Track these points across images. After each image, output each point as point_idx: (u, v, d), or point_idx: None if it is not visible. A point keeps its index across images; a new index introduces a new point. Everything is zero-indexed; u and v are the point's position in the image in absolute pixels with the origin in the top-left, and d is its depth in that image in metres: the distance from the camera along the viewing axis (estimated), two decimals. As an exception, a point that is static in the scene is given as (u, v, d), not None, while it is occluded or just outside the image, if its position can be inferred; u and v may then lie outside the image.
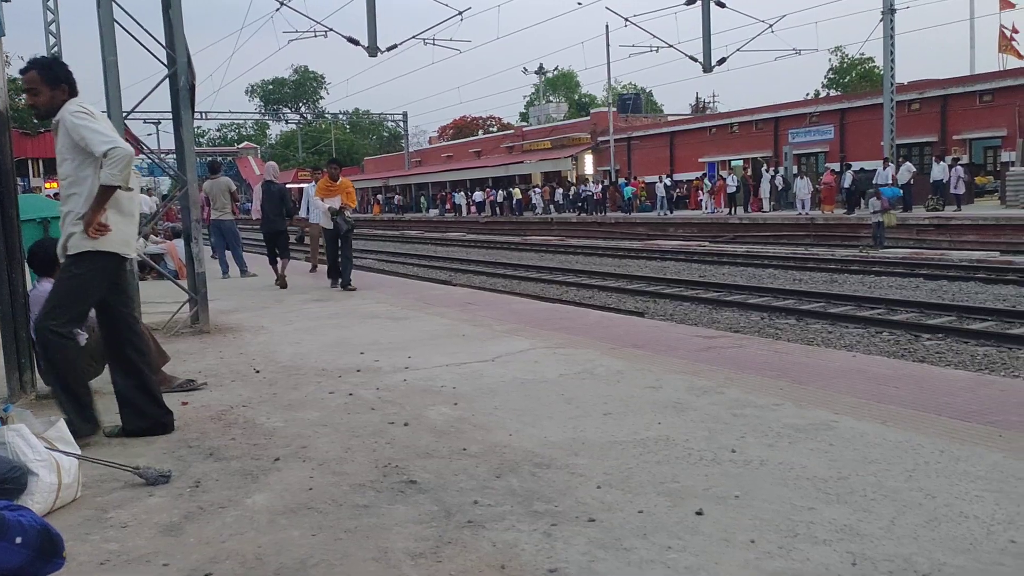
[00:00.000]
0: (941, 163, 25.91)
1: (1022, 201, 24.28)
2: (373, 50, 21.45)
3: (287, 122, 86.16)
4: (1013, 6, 34.95)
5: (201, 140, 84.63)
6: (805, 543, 2.70)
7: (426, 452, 3.84)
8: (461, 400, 4.80)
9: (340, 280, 11.07)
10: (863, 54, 51.06)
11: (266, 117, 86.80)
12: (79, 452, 3.49)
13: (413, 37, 23.90)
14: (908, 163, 26.73)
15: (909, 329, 9.80)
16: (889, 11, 27.08)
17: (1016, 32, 36.10)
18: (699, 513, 2.98)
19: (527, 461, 3.65)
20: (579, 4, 20.28)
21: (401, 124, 69.03)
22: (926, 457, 3.49)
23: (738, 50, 27.07)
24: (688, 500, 3.11)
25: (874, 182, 25.15)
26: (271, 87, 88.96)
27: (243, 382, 5.56)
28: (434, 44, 24.29)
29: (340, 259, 11.13)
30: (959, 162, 25.87)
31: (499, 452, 3.79)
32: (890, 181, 24.96)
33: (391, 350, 6.48)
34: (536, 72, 61.98)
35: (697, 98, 69.20)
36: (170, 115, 8.04)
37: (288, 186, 17.99)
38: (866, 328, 10.08)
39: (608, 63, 40.28)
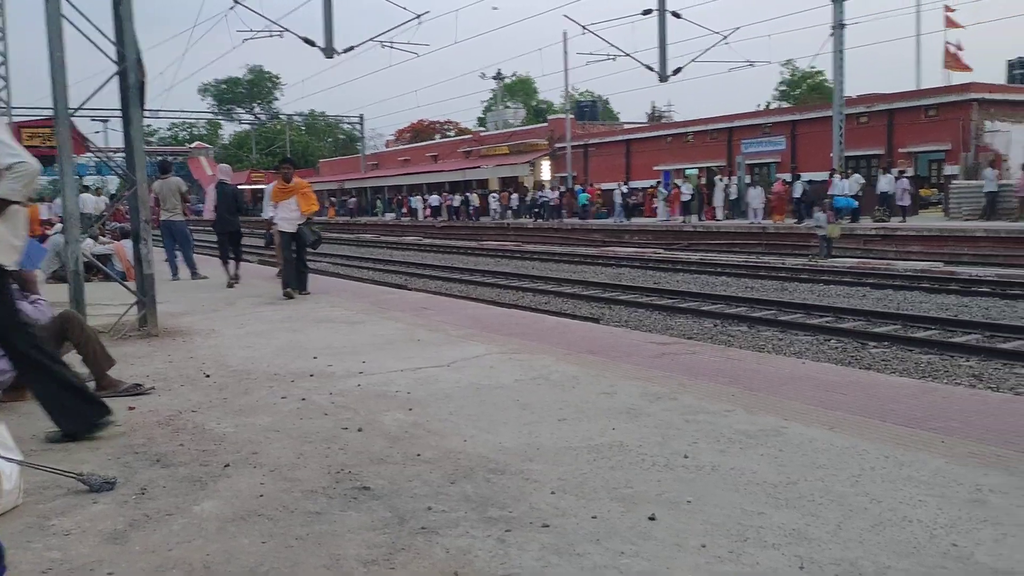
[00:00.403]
0: (887, 175, 26.55)
1: (965, 213, 25.00)
2: (329, 51, 21.31)
3: (241, 122, 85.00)
4: (958, 25, 36.02)
5: (151, 139, 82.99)
6: (755, 547, 2.74)
7: (380, 458, 3.81)
8: (416, 405, 4.77)
9: (294, 286, 10.58)
10: (813, 67, 52.18)
11: (219, 117, 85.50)
12: (20, 457, 3.40)
13: (371, 39, 23.81)
14: (857, 175, 27.35)
15: (856, 337, 10.01)
16: (839, 27, 27.70)
17: (961, 49, 37.21)
18: (652, 518, 3.00)
19: (482, 467, 3.64)
20: (495, 8, 20.22)
21: (357, 126, 68.56)
22: (872, 462, 3.56)
23: (693, 61, 27.47)
24: (641, 505, 3.14)
25: (831, 192, 25.73)
26: (224, 86, 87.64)
27: (192, 386, 5.46)
28: (392, 47, 24.20)
29: (296, 264, 10.74)
30: (904, 174, 26.53)
31: (453, 458, 3.78)
32: (845, 192, 25.58)
33: (345, 355, 6.42)
34: (494, 77, 62.02)
35: (653, 107, 69.97)
36: (119, 113, 7.87)
37: (241, 187, 17.91)
38: (815, 336, 10.27)
39: (566, 70, 40.51)
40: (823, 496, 3.19)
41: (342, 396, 5.06)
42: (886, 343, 9.64)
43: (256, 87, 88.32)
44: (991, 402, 4.82)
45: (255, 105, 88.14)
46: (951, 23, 36.21)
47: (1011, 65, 36.06)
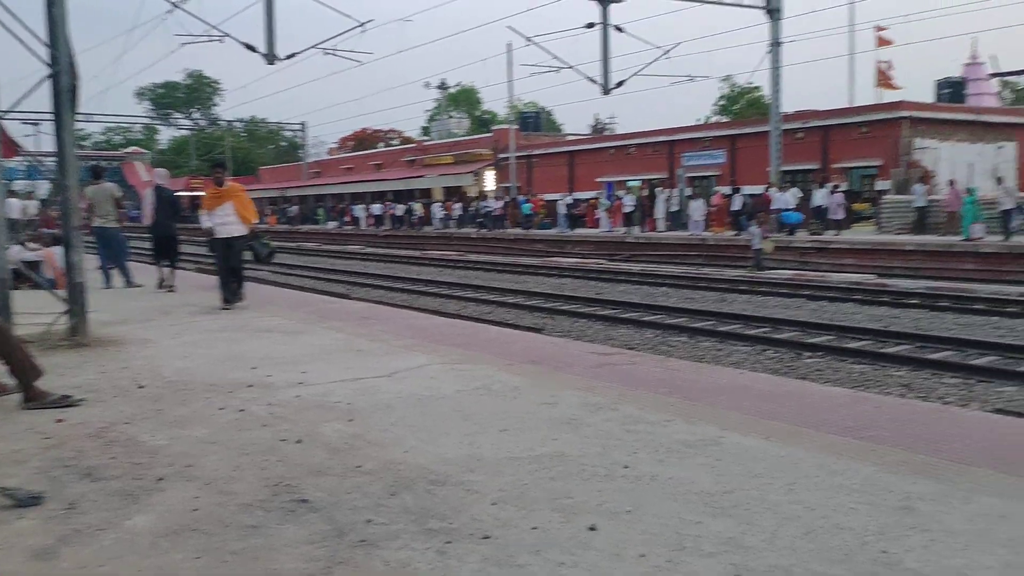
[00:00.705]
0: (822, 189, 27.28)
1: (896, 227, 25.81)
2: (271, 58, 21.03)
3: (179, 128, 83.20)
4: (889, 43, 37.29)
5: (85, 143, 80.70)
6: (692, 556, 2.78)
7: (319, 470, 3.76)
8: (356, 416, 4.73)
9: (228, 296, 10.14)
10: (751, 83, 53.36)
11: (156, 122, 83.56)
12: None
13: (313, 47, 23.50)
14: (795, 188, 28.05)
15: (792, 347, 10.24)
16: (775, 44, 28.42)
17: (891, 68, 38.52)
18: (592, 528, 3.02)
19: (422, 478, 3.62)
20: (409, 20, 20.20)
21: (300, 134, 67.72)
22: (805, 471, 3.65)
23: (635, 74, 27.82)
24: (581, 515, 3.15)
25: (774, 206, 26.34)
26: (162, 91, 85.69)
27: (125, 398, 5.31)
28: (335, 54, 23.97)
29: (230, 273, 10.31)
30: (839, 189, 27.28)
31: (394, 469, 3.75)
32: (791, 205, 26.23)
33: (285, 365, 6.33)
34: (438, 87, 61.99)
35: (596, 119, 70.73)
36: (51, 116, 7.63)
37: (179, 194, 17.64)
38: (753, 346, 10.48)
39: (510, 81, 40.71)
40: (759, 504, 3.25)
41: (281, 407, 4.98)
42: (821, 353, 9.88)
43: (195, 92, 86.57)
44: (920, 411, 4.98)
45: (194, 110, 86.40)
46: (882, 42, 37.50)
47: (939, 85, 37.43)
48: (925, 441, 4.10)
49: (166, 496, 3.44)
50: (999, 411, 6.90)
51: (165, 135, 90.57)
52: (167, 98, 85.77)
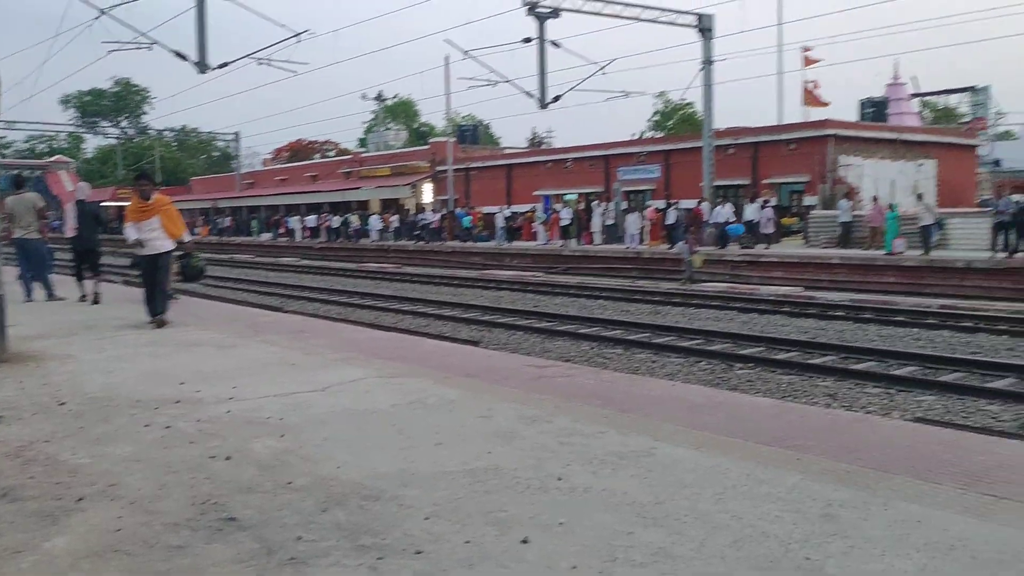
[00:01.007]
0: (753, 204, 27.97)
1: (822, 241, 26.59)
2: (203, 66, 20.68)
3: (106, 136, 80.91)
4: (816, 62, 38.52)
5: (5, 151, 77.86)
6: (623, 567, 2.81)
7: (248, 487, 3.69)
8: (288, 432, 4.65)
9: (156, 310, 9.50)
10: (684, 99, 54.46)
11: (82, 130, 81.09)
12: None
13: (247, 56, 23.21)
14: (729, 203, 28.70)
15: (724, 359, 10.46)
16: (708, 62, 29.12)
17: (818, 87, 39.79)
18: (525, 541, 3.03)
19: (355, 494, 3.58)
20: (299, 32, 19.93)
21: (233, 144, 66.53)
22: (734, 480, 3.72)
23: (571, 89, 28.18)
24: (515, 528, 3.16)
25: (713, 220, 26.91)
26: (89, 98, 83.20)
27: (46, 415, 5.13)
28: (270, 64, 23.68)
29: (154, 287, 9.56)
30: (769, 204, 28.00)
31: (326, 485, 3.70)
32: (732, 219, 26.86)
33: (215, 380, 6.19)
34: (375, 99, 61.73)
35: (534, 132, 71.29)
36: (-31, 123, 7.35)
37: (107, 204, 17.24)
38: (686, 358, 10.67)
39: (447, 94, 40.73)
40: (688, 514, 3.30)
41: (210, 423, 4.87)
42: (751, 364, 10.11)
43: (123, 100, 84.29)
44: (842, 420, 5.13)
45: (122, 119, 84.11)
46: (809, 62, 38.73)
47: (862, 104, 38.82)
48: (847, 450, 4.22)
49: (88, 516, 3.33)
50: (919, 420, 7.16)
51: (91, 144, 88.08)
52: (94, 106, 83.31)
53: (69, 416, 5.10)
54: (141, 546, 3.01)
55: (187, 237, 10.10)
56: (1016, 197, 20.14)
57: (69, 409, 5.28)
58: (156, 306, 9.56)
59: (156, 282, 9.59)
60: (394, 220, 41.65)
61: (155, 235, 9.47)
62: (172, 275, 10.27)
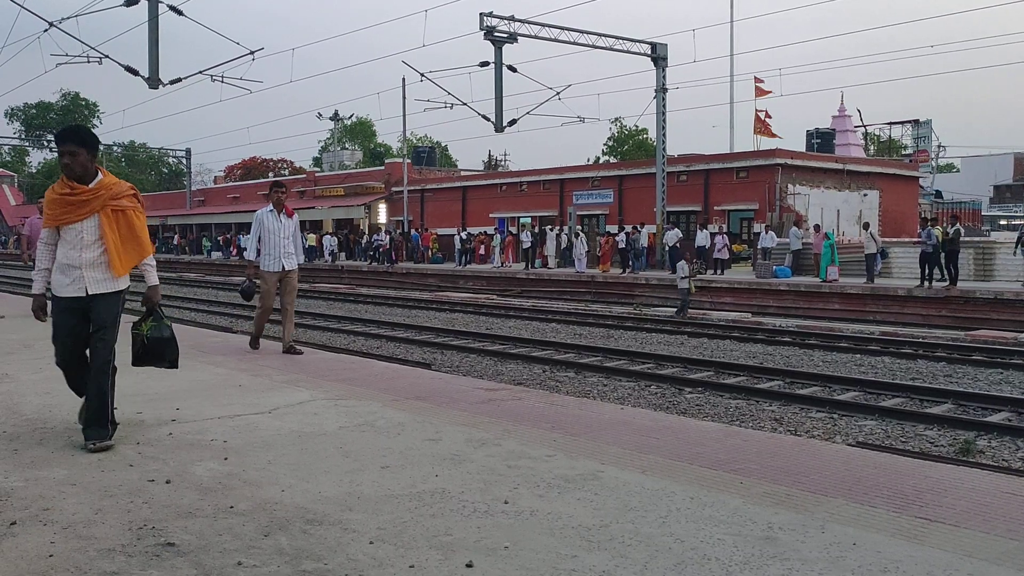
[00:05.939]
0: (704, 231, 28.43)
1: (772, 269, 27.07)
2: (154, 82, 20.42)
3: (52, 150, 79.12)
4: (768, 92, 39.46)
5: (-54, 164, 75.82)
6: (566, 591, 2.82)
7: (188, 511, 3.62)
8: (232, 455, 4.57)
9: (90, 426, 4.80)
10: (637, 126, 55.33)
11: (27, 143, 79.31)
12: None
13: (200, 72, 22.97)
14: (676, 229, 29.13)
15: (674, 383, 10.56)
16: (661, 90, 29.66)
17: (769, 117, 40.73)
18: (469, 565, 3.02)
19: (299, 518, 3.54)
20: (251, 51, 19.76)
21: (184, 161, 65.62)
22: (678, 504, 3.76)
23: (527, 113, 28.46)
24: (460, 553, 3.15)
25: (667, 243, 27.35)
26: (35, 111, 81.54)
27: (-21, 437, 4.97)
28: (223, 81, 23.46)
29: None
30: (723, 231, 28.49)
31: (269, 509, 3.65)
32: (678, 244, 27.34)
33: (157, 401, 6.07)
34: (331, 118, 61.46)
35: (490, 155, 71.59)
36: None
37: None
38: (637, 382, 10.75)
39: (404, 115, 40.75)
40: (632, 537, 3.33)
41: (151, 446, 4.77)
42: (700, 389, 10.23)
43: (71, 114, 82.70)
44: (785, 444, 5.21)
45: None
46: (760, 92, 39.66)
47: (809, 135, 39.84)
48: (788, 473, 4.30)
49: (19, 542, 3.23)
50: (860, 444, 7.32)
51: (36, 158, 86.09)
52: (40, 119, 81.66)
53: (3, 438, 4.95)
54: (74, 572, 2.93)
55: (152, 264, 5.66)
56: (938, 230, 20.73)
57: (3, 431, 5.13)
58: (92, 414, 4.79)
59: (91, 355, 5.16)
60: (327, 240, 41.68)
61: (91, 256, 5.24)
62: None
